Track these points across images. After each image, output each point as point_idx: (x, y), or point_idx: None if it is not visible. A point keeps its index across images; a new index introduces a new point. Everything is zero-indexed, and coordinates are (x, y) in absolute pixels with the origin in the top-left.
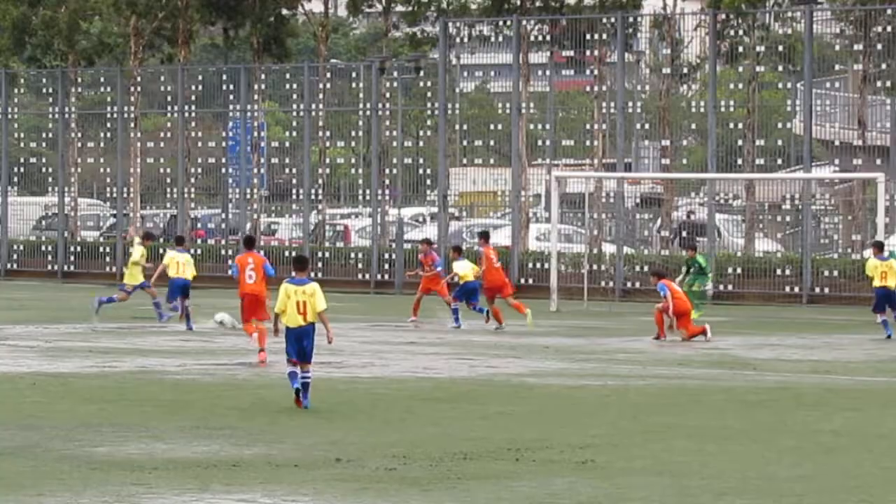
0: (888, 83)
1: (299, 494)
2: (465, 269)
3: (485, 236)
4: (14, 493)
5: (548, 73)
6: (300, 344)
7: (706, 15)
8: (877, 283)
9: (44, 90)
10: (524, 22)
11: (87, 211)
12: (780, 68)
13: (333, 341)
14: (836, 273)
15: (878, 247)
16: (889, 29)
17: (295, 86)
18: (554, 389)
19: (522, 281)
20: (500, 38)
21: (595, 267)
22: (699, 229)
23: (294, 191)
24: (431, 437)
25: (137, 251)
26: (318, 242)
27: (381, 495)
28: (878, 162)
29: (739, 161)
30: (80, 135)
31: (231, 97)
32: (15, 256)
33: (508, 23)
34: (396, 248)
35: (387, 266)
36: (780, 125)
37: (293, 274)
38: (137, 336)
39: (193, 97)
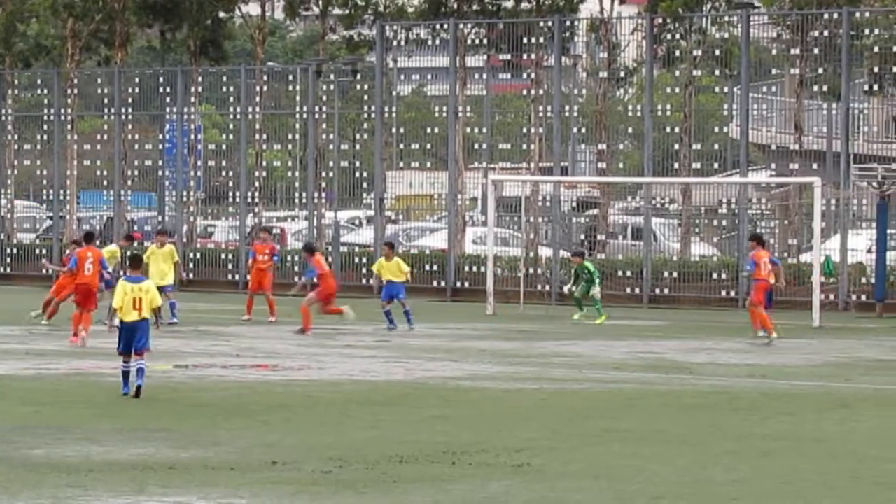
0: (824, 87)
1: (235, 497)
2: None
3: (308, 249)
4: None
5: (485, 76)
6: (132, 337)
7: (643, 19)
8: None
9: None
10: (461, 25)
11: (23, 213)
12: (717, 72)
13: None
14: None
15: None
16: (825, 33)
17: (231, 88)
18: (490, 393)
19: (458, 284)
20: (437, 42)
21: (531, 270)
22: (637, 232)
23: (230, 193)
24: (367, 440)
25: (109, 253)
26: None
27: (316, 498)
28: (815, 166)
29: (676, 165)
30: (16, 137)
31: (168, 100)
32: None
33: (445, 26)
34: (333, 251)
35: None
36: (716, 129)
37: (128, 272)
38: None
39: (130, 99)
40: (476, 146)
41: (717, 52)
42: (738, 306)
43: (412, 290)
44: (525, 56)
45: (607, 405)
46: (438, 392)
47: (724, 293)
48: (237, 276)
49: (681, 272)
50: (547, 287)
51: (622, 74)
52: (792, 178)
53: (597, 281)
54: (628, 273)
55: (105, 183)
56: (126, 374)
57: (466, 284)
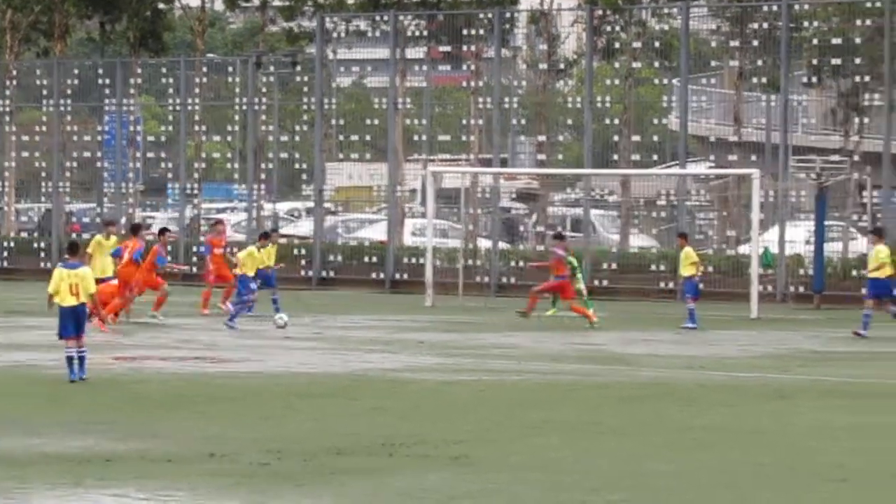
0: (763, 80)
1: (173, 489)
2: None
3: (134, 229)
4: None
5: (424, 68)
6: (76, 320)
7: (583, 11)
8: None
9: None
10: (401, 17)
11: None
12: (657, 64)
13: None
14: (710, 269)
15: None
16: (765, 25)
17: (171, 80)
18: (429, 385)
19: (398, 276)
20: (377, 34)
21: (470, 262)
22: (576, 224)
23: (169, 185)
24: (307, 432)
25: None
26: (192, 237)
27: (255, 490)
28: (754, 158)
29: (615, 157)
30: None
31: (107, 91)
32: None
33: (385, 18)
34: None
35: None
36: (655, 121)
37: (66, 258)
38: (12, 331)
39: (69, 91)
40: (416, 138)
41: (657, 44)
42: (678, 298)
43: (351, 282)
44: (465, 48)
45: (546, 397)
46: (377, 384)
47: (662, 285)
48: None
49: (620, 264)
50: (486, 279)
51: (562, 66)
52: (731, 169)
53: (579, 276)
54: None
55: (43, 175)
56: (70, 360)
57: (406, 276)
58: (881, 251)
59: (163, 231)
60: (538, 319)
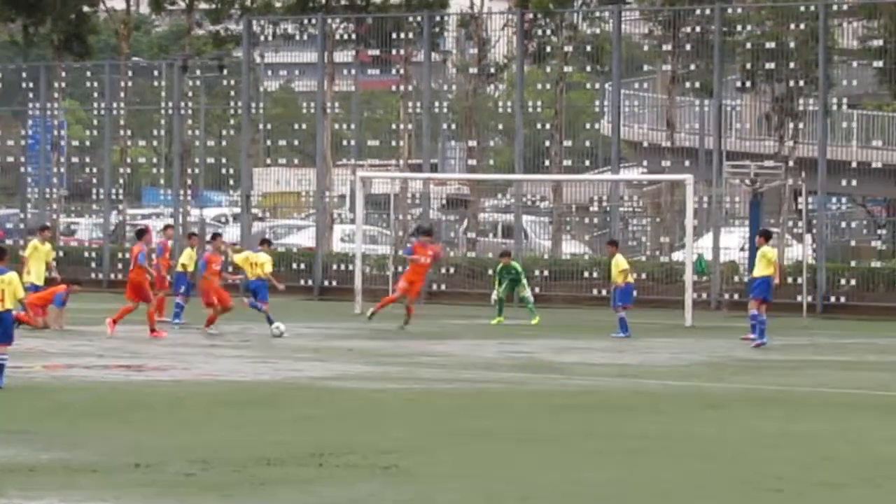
0: (697, 84)
1: (97, 500)
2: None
3: (139, 234)
4: None
5: (353, 72)
6: (2, 327)
7: (513, 14)
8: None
9: None
10: (329, 20)
11: None
12: (589, 68)
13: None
14: (644, 276)
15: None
16: (698, 29)
17: (96, 84)
18: (358, 393)
19: (326, 283)
20: (305, 37)
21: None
22: (507, 230)
23: (94, 190)
24: (233, 441)
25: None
26: (118, 243)
27: (180, 501)
28: (687, 163)
29: (547, 162)
30: None
31: (30, 95)
32: None
33: (313, 21)
34: (198, 249)
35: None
36: (587, 126)
37: None
38: None
39: None
40: (344, 143)
41: (589, 49)
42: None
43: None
44: (394, 52)
45: (477, 405)
46: (306, 392)
47: (595, 292)
48: (100, 276)
49: (552, 270)
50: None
51: (492, 70)
52: (664, 175)
53: (524, 282)
54: None
55: None
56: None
57: (334, 283)
58: (768, 252)
59: (215, 236)
60: (484, 327)
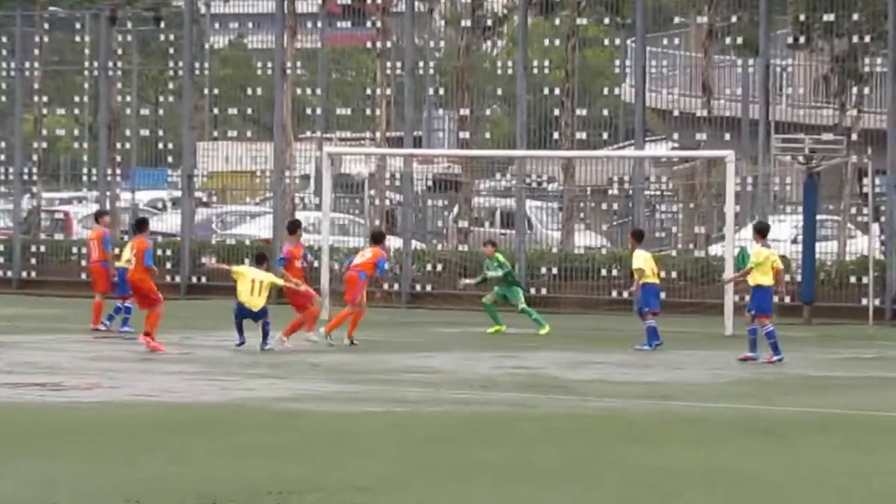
0: (738, 40)
1: None
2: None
3: (139, 226)
4: None
5: (319, 25)
6: None
7: None
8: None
9: None
10: None
11: None
12: (607, 21)
13: None
14: (674, 274)
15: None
16: None
17: (4, 39)
18: (325, 417)
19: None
20: None
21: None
22: (507, 218)
23: (2, 169)
24: (173, 475)
25: None
26: (31, 233)
27: None
28: (727, 137)
29: (556, 135)
30: None
31: None
32: None
33: None
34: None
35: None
36: (605, 91)
37: None
38: None
39: None
40: (308, 112)
41: None
42: (634, 310)
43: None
44: (369, 0)
45: (471, 432)
46: (261, 416)
47: (614, 294)
48: (9, 273)
49: (562, 268)
50: (396, 286)
51: (489, 23)
52: (699, 151)
53: (516, 287)
54: None
55: None
56: None
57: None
58: (759, 254)
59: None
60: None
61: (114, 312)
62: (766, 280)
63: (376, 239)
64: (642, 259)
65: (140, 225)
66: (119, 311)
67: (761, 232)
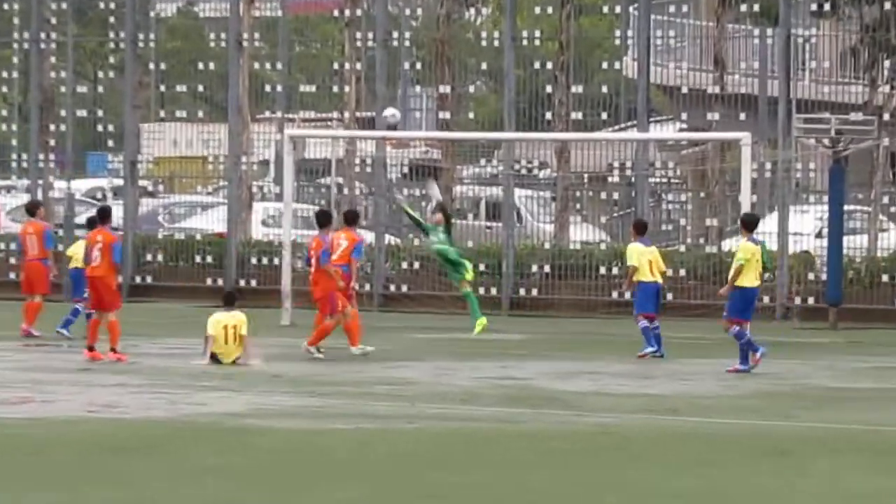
0: (755, 7)
1: None
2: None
3: (101, 216)
4: None
5: None
6: None
7: None
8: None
9: None
10: None
11: None
12: None
13: None
14: (682, 272)
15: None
16: None
17: None
18: (287, 435)
19: (242, 282)
20: None
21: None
22: (493, 209)
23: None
24: (113, 502)
25: None
26: None
27: None
28: (743, 116)
29: (548, 115)
30: None
31: None
32: None
33: None
34: (65, 235)
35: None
36: (605, 65)
37: None
38: None
39: None
40: (268, 89)
41: None
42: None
43: (177, 292)
44: None
45: (451, 452)
46: (213, 434)
47: (614, 295)
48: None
49: (555, 265)
50: (367, 286)
51: None
52: (710, 132)
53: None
54: (482, 266)
55: None
56: None
57: (253, 283)
58: (747, 249)
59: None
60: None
61: (71, 316)
62: (749, 280)
63: (350, 220)
64: (636, 254)
65: (104, 215)
66: (77, 314)
67: (748, 224)
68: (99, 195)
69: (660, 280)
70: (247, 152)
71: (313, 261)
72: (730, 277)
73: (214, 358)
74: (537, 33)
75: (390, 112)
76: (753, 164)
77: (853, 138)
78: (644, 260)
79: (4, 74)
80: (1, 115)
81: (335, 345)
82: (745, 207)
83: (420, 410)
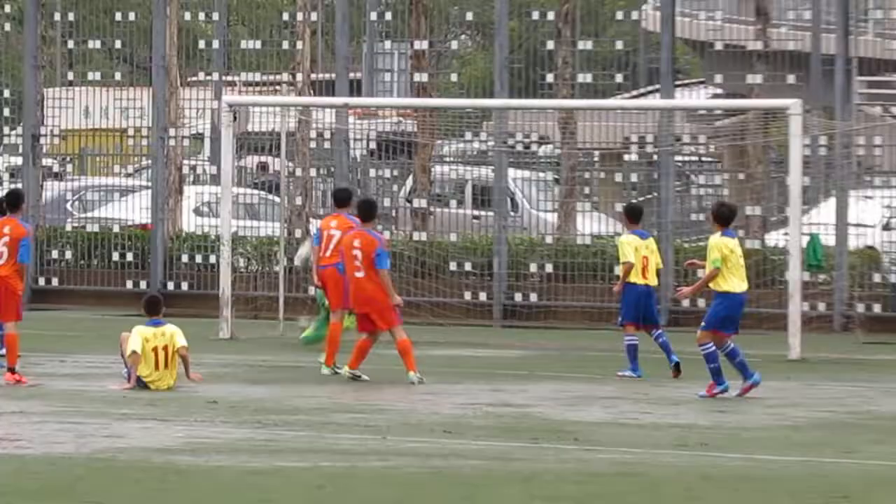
0: None
1: None
2: None
3: (11, 203)
4: None
5: None
6: None
7: None
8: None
9: None
10: None
11: None
12: None
13: None
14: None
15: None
16: None
17: None
18: (228, 474)
19: (170, 285)
20: None
21: (297, 262)
22: (483, 194)
23: None
24: None
25: None
26: None
27: None
28: (791, 79)
29: (549, 77)
30: None
31: None
32: None
33: None
34: None
35: None
36: (619, 16)
37: None
38: None
39: None
40: (202, 45)
41: None
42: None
43: (89, 297)
44: None
45: (432, 498)
46: (136, 473)
47: None
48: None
49: (559, 264)
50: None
51: None
52: (751, 100)
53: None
54: (467, 266)
55: None
56: None
57: (184, 286)
58: (716, 246)
59: (373, 209)
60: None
61: None
62: (735, 284)
63: (341, 201)
64: (631, 248)
65: (14, 201)
66: None
67: (721, 217)
68: None
69: (653, 282)
70: (175, 124)
71: (359, 263)
72: (703, 279)
73: (141, 383)
74: None
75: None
76: (805, 139)
77: None
78: (639, 257)
79: None
80: None
81: (290, 361)
82: (795, 192)
83: (392, 445)
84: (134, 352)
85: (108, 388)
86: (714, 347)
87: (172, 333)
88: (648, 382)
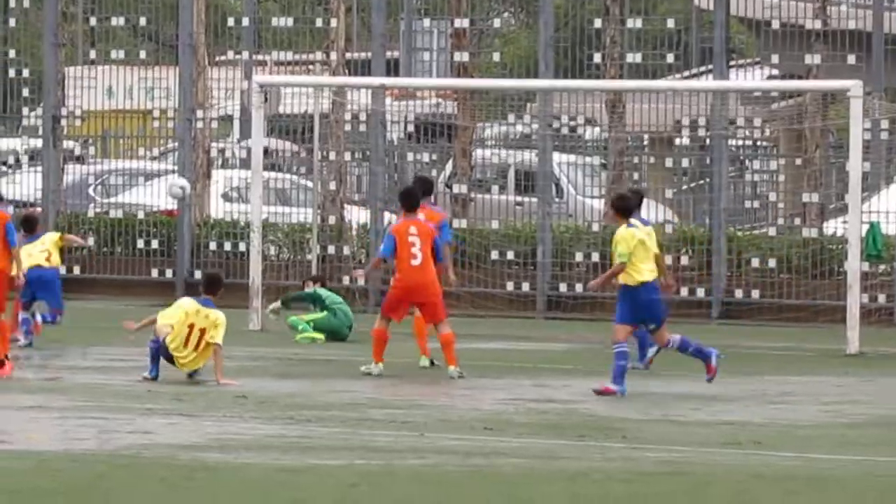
0: None
1: None
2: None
3: None
4: None
5: None
6: None
7: None
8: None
9: None
10: None
11: None
12: None
13: None
14: (772, 264)
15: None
16: None
17: None
18: (257, 472)
19: (198, 275)
20: None
21: (333, 249)
22: (526, 179)
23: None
24: None
25: None
26: None
27: None
28: (852, 60)
29: (597, 58)
30: None
31: None
32: None
33: None
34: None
35: None
36: None
37: None
38: None
39: None
40: (231, 22)
41: None
42: (712, 315)
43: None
44: None
45: (473, 498)
46: (161, 470)
47: (685, 292)
48: None
49: (605, 253)
50: (361, 280)
51: None
52: (810, 82)
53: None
54: (510, 255)
55: None
56: None
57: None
58: (622, 240)
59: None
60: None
61: (37, 319)
62: (644, 273)
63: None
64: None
65: None
66: (45, 320)
67: (622, 209)
68: (13, 160)
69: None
70: (203, 105)
71: (416, 251)
72: (610, 271)
73: (168, 355)
74: None
75: (179, 184)
76: (866, 122)
77: None
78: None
79: None
80: None
81: (323, 355)
82: (855, 179)
83: (430, 442)
84: (168, 324)
85: (142, 376)
86: (626, 347)
87: (216, 322)
88: (694, 379)
